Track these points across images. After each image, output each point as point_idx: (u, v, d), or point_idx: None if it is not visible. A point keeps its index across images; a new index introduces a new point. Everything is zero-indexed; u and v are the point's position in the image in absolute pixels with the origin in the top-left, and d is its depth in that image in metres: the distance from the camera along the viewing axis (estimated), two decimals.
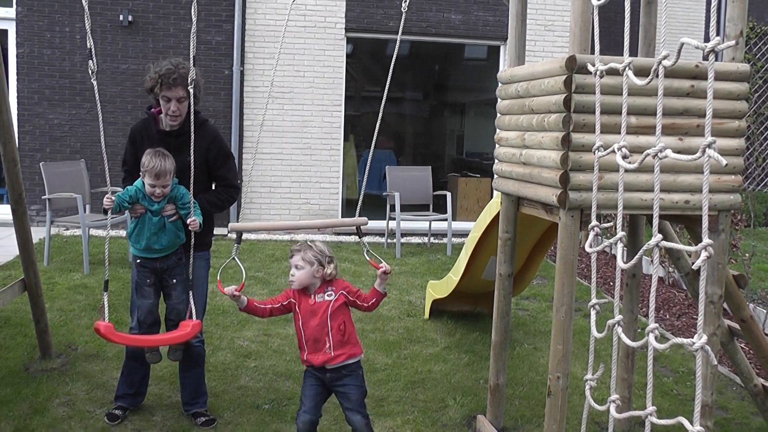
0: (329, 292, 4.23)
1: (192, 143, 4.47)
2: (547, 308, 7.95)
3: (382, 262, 4.37)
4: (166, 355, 4.78)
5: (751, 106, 9.48)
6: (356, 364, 4.28)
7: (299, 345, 4.29)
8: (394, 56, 4.72)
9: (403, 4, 4.65)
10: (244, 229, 4.74)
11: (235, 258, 4.40)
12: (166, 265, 4.68)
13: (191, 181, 4.51)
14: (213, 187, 4.99)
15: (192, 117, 4.51)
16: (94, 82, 4.49)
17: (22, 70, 11.90)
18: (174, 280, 4.70)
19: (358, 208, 4.87)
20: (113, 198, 4.51)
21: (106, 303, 4.55)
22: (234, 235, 5.07)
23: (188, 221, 4.59)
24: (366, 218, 4.83)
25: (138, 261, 4.69)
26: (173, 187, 4.61)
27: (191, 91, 4.51)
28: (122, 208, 4.58)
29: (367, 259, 4.54)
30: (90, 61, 4.43)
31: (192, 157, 4.49)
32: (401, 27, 4.81)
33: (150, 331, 4.68)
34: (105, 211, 4.57)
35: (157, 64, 4.71)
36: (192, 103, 4.53)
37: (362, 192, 5.01)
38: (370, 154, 5.07)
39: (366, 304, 4.32)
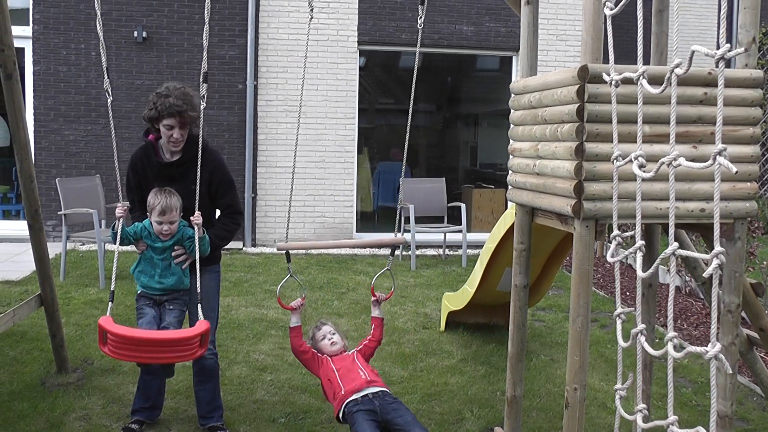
0: (348, 353, 4.77)
1: (198, 171, 4.48)
2: (563, 319, 7.92)
3: (383, 292, 4.94)
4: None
5: (766, 113, 9.44)
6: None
7: (335, 392, 4.47)
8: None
9: (419, 21, 4.66)
10: (293, 247, 4.86)
11: (293, 276, 4.80)
12: (166, 297, 4.63)
13: (196, 206, 4.50)
14: (217, 215, 4.96)
15: (200, 145, 4.53)
16: (109, 99, 4.50)
17: (39, 87, 12.00)
18: (171, 306, 4.62)
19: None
20: (127, 205, 4.56)
21: (119, 225, 4.49)
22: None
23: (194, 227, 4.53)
24: (406, 238, 5.04)
25: (139, 291, 4.67)
26: (180, 228, 4.58)
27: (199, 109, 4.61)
28: (126, 240, 4.56)
29: (372, 283, 4.96)
30: (105, 79, 4.46)
31: (198, 186, 4.50)
32: (419, 40, 4.85)
33: None
34: (113, 233, 4.54)
35: (158, 91, 4.65)
36: (199, 128, 4.57)
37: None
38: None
39: (376, 338, 4.89)
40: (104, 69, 4.52)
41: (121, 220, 4.50)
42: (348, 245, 4.87)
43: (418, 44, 4.87)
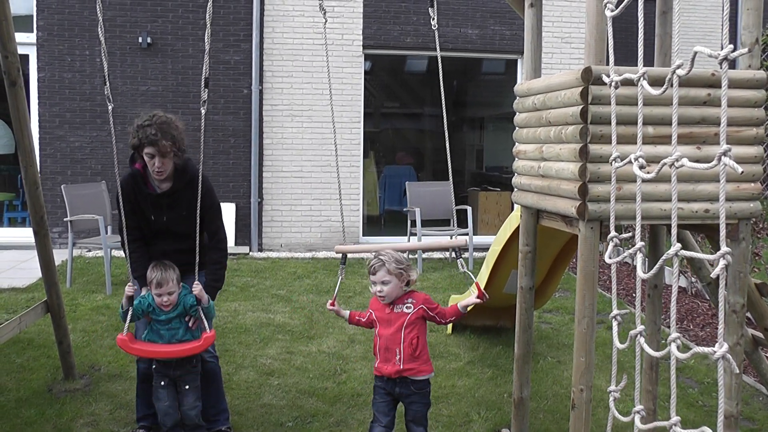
0: (408, 304, 4.25)
1: (198, 200, 4.61)
2: (569, 321, 7.91)
3: (475, 289, 4.39)
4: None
5: None
6: (425, 381, 4.28)
7: (374, 352, 4.35)
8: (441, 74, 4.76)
9: (432, 22, 4.64)
10: (350, 250, 4.66)
11: (341, 279, 4.59)
12: (180, 372, 4.69)
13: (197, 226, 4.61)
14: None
15: (200, 173, 4.60)
16: (110, 106, 4.54)
17: (43, 94, 12.03)
18: (186, 387, 4.70)
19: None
20: (135, 288, 4.64)
21: (130, 305, 4.61)
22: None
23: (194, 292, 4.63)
24: (465, 240, 4.86)
25: (153, 367, 4.73)
26: (181, 298, 4.65)
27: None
28: (135, 317, 4.67)
29: (473, 285, 4.47)
30: (105, 86, 4.50)
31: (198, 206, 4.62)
32: (437, 43, 4.84)
33: None
34: (127, 304, 4.63)
35: (140, 122, 4.62)
36: (194, 153, 4.67)
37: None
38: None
39: (444, 321, 4.34)
40: (105, 75, 4.55)
41: (131, 300, 4.61)
42: (407, 248, 4.71)
43: (438, 47, 4.83)
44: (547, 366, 6.52)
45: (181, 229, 4.70)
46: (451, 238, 10.82)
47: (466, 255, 11.10)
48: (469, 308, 4.39)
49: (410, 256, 11.49)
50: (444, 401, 5.65)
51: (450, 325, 7.45)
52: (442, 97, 4.71)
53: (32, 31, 12.05)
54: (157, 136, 4.50)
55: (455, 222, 5.85)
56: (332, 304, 4.46)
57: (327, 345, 6.97)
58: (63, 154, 12.14)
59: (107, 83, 4.52)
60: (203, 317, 4.63)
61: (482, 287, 6.63)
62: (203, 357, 4.89)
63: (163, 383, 4.67)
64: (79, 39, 12.02)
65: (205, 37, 4.39)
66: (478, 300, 4.33)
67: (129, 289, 4.60)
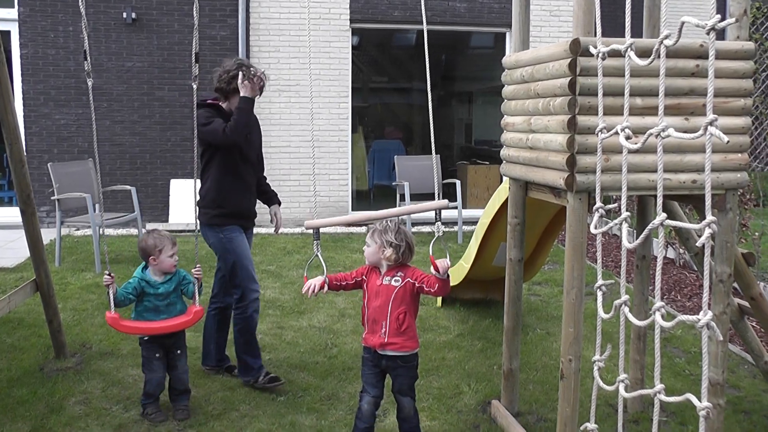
0: (397, 278, 4.21)
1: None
2: (558, 293, 7.95)
3: (444, 259, 4.19)
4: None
5: (759, 86, 9.43)
6: (411, 356, 4.26)
7: (362, 322, 4.36)
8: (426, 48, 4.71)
9: None
10: (321, 224, 4.58)
11: (318, 254, 4.43)
12: (173, 339, 4.91)
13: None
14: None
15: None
16: (90, 81, 4.57)
17: (27, 71, 11.92)
18: (179, 351, 4.95)
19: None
20: (113, 276, 4.72)
21: (111, 294, 4.70)
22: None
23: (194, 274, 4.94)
24: (446, 201, 4.80)
25: (145, 338, 4.88)
26: (181, 272, 4.93)
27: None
28: (128, 300, 4.79)
29: (430, 253, 4.39)
30: (85, 62, 4.51)
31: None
32: (424, 15, 4.80)
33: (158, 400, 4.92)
34: (108, 289, 4.74)
35: (233, 63, 5.45)
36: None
37: None
38: None
39: (432, 289, 4.16)
40: (86, 50, 4.56)
41: (110, 287, 4.70)
42: (381, 216, 4.60)
43: (424, 19, 4.79)
44: (536, 338, 6.56)
45: (252, 155, 5.59)
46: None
47: (455, 227, 11.11)
48: (447, 270, 4.17)
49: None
50: (434, 373, 5.68)
51: (439, 299, 7.47)
52: (427, 70, 4.67)
53: (13, 7, 11.89)
54: (264, 81, 5.45)
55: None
56: (322, 285, 4.34)
57: (317, 320, 6.99)
58: (49, 132, 12.06)
59: (88, 59, 4.52)
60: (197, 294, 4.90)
61: (472, 260, 6.72)
62: (230, 305, 5.52)
63: (158, 355, 4.85)
64: (62, 15, 11.89)
65: (194, 12, 4.39)
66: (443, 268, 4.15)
67: (106, 279, 4.71)
